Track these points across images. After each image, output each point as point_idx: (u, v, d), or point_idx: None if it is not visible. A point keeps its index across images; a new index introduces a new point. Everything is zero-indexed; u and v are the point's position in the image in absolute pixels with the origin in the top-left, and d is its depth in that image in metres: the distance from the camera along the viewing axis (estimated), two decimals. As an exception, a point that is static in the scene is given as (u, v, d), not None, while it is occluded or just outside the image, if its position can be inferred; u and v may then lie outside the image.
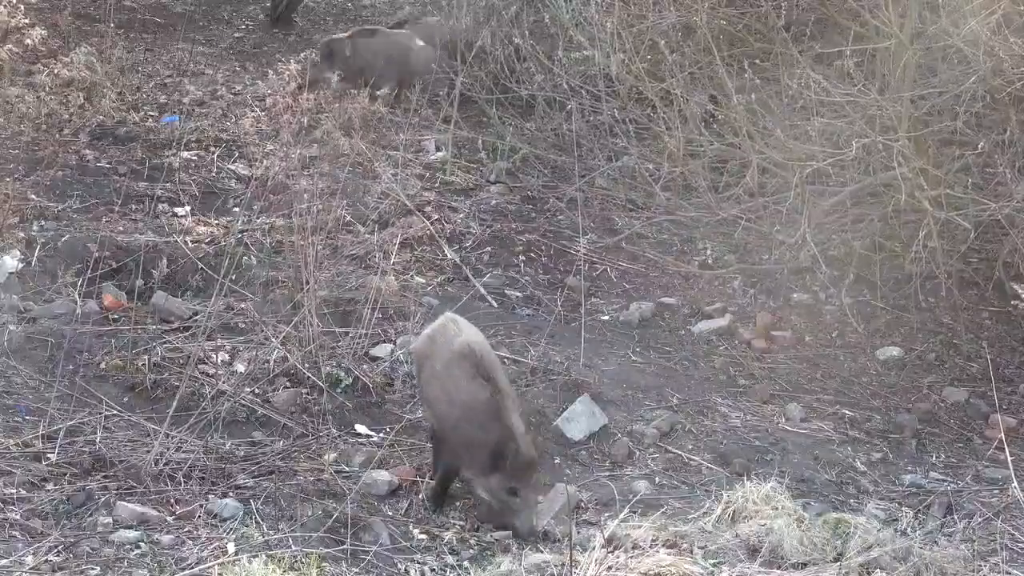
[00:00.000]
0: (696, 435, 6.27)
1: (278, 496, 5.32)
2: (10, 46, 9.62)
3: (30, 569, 4.64)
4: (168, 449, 5.46)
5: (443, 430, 5.50)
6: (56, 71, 9.68)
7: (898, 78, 6.77)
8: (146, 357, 6.29)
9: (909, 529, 5.31)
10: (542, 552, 5.04)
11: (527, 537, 5.19)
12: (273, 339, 6.39)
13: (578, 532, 5.19)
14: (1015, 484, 5.36)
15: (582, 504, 5.59)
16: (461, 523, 5.40)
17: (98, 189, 8.33)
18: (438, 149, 9.55)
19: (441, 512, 5.44)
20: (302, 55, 10.25)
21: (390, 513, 5.42)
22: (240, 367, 6.40)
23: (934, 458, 6.37)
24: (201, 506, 5.18)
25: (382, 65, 10.28)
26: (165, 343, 6.51)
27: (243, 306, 6.97)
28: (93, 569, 4.72)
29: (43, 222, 7.70)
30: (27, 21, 9.87)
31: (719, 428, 6.38)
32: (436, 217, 8.37)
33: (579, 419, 6.19)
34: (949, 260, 7.12)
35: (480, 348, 5.47)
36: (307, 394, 6.22)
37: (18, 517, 4.96)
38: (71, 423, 5.63)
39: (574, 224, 8.22)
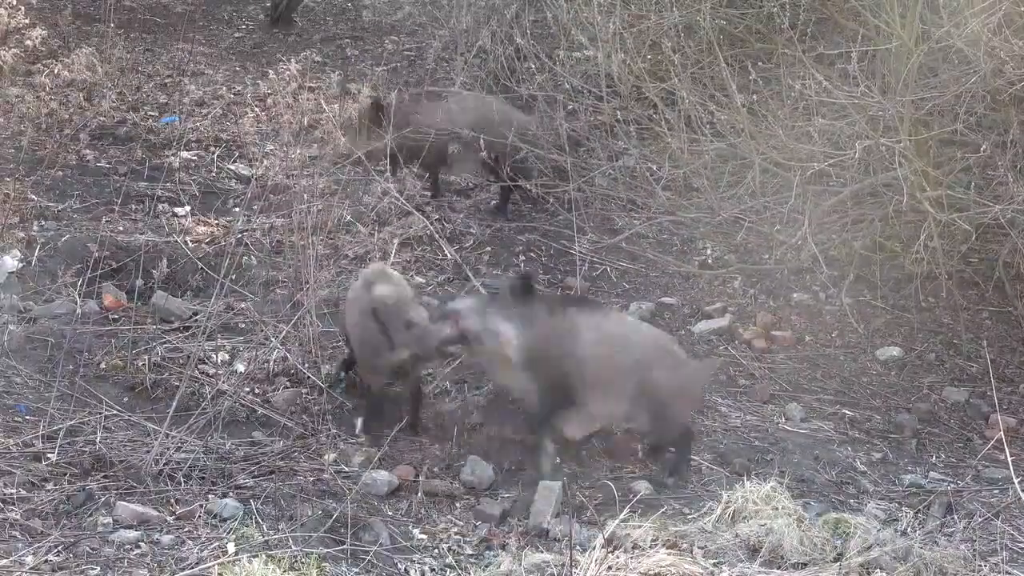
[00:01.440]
0: (696, 435, 6.26)
1: (278, 496, 5.32)
2: (12, 47, 9.60)
3: (30, 569, 4.64)
4: (168, 449, 5.46)
5: None
6: (56, 71, 9.67)
7: (901, 79, 6.75)
8: (146, 357, 6.30)
9: (909, 529, 5.31)
10: (542, 552, 5.04)
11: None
12: (273, 339, 6.40)
13: (578, 532, 5.18)
14: (1015, 484, 5.35)
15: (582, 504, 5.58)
16: (461, 523, 5.40)
17: (98, 189, 8.33)
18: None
19: None
20: (302, 55, 10.23)
21: (390, 513, 5.42)
22: (240, 367, 6.40)
23: (934, 458, 6.37)
24: (201, 506, 5.18)
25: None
26: (165, 343, 6.51)
27: (243, 306, 6.98)
28: (93, 569, 4.72)
29: (43, 222, 7.70)
30: (27, 21, 9.85)
31: (719, 428, 6.37)
32: (436, 217, 8.37)
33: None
34: (949, 260, 7.11)
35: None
36: (307, 394, 6.23)
37: (18, 517, 4.96)
38: (71, 423, 5.63)
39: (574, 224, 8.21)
